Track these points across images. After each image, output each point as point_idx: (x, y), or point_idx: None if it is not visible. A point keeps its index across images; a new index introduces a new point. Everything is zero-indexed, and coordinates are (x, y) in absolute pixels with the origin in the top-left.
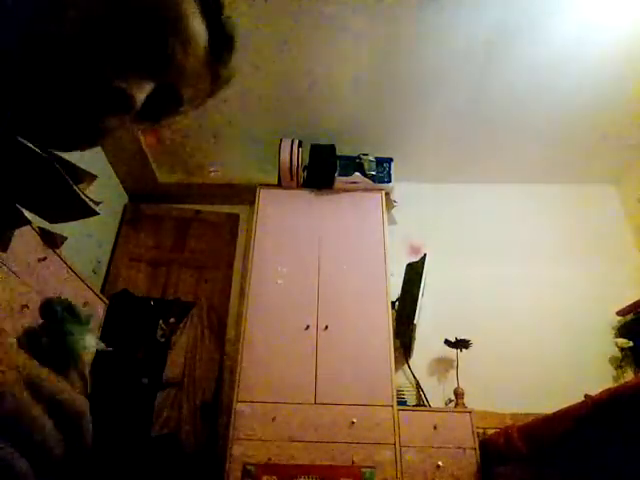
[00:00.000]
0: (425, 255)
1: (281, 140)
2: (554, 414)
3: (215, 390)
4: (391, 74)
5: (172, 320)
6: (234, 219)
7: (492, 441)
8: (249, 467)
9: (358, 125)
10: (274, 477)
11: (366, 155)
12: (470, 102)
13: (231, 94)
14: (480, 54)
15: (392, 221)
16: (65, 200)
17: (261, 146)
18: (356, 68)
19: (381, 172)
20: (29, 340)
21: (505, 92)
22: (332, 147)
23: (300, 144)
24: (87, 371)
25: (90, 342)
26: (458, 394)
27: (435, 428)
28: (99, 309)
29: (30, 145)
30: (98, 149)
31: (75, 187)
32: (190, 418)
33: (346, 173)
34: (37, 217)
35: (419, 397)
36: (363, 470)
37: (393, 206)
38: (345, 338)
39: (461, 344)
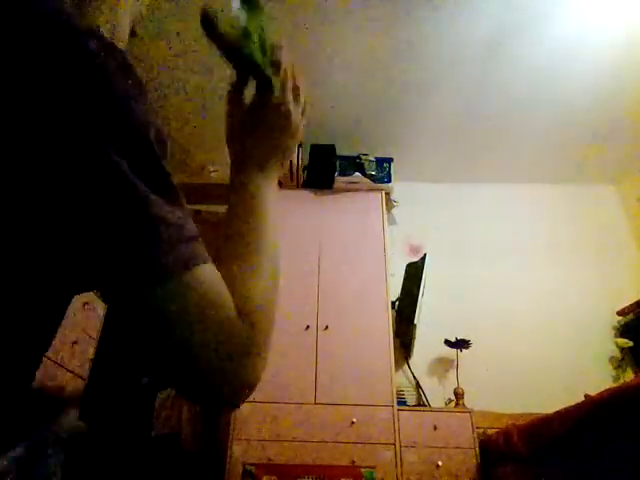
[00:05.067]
0: (425, 255)
1: None
2: (554, 414)
3: None
4: (391, 74)
5: None
6: None
7: (492, 441)
8: (249, 467)
9: (358, 125)
10: (274, 477)
11: (366, 155)
12: (470, 102)
13: None
14: (479, 54)
15: (392, 221)
16: None
17: None
18: (356, 68)
19: (381, 172)
20: None
21: (504, 92)
22: (332, 147)
23: (300, 144)
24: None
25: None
26: (458, 394)
27: (435, 428)
28: (99, 309)
29: None
30: None
31: None
32: (190, 418)
33: (346, 173)
34: None
35: (419, 397)
36: (363, 470)
37: (393, 206)
38: (345, 338)
39: (461, 344)
